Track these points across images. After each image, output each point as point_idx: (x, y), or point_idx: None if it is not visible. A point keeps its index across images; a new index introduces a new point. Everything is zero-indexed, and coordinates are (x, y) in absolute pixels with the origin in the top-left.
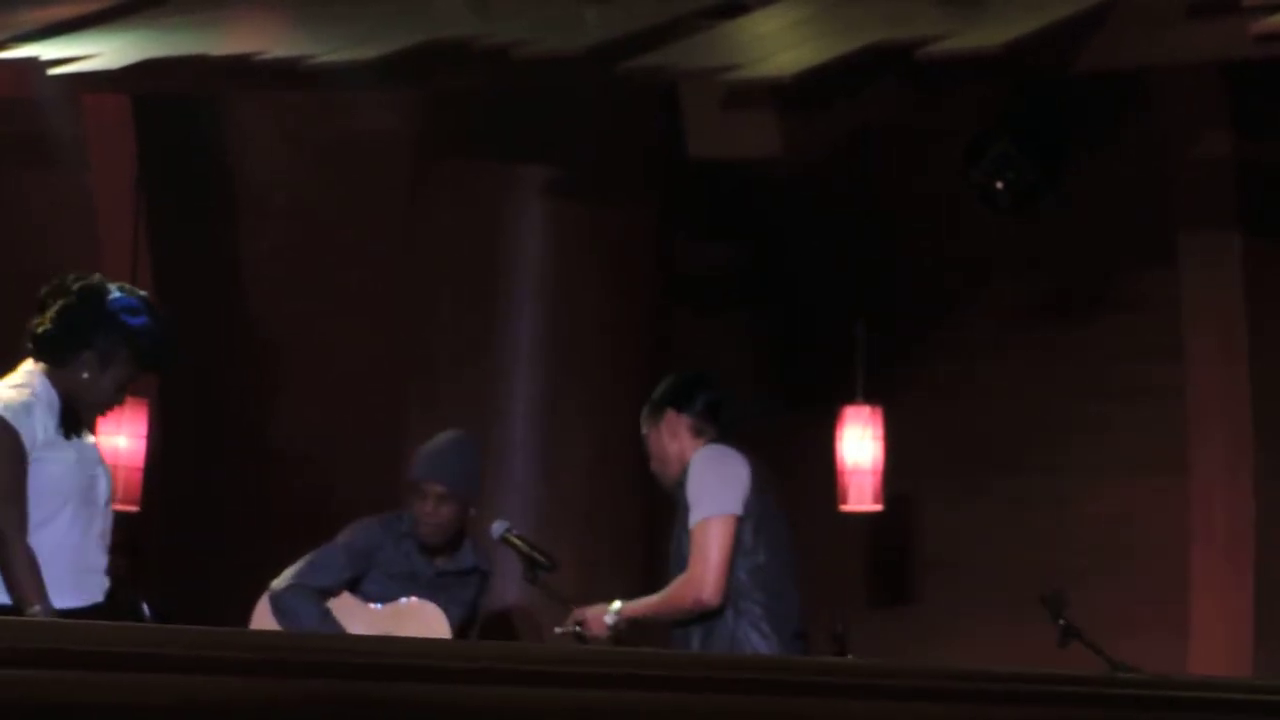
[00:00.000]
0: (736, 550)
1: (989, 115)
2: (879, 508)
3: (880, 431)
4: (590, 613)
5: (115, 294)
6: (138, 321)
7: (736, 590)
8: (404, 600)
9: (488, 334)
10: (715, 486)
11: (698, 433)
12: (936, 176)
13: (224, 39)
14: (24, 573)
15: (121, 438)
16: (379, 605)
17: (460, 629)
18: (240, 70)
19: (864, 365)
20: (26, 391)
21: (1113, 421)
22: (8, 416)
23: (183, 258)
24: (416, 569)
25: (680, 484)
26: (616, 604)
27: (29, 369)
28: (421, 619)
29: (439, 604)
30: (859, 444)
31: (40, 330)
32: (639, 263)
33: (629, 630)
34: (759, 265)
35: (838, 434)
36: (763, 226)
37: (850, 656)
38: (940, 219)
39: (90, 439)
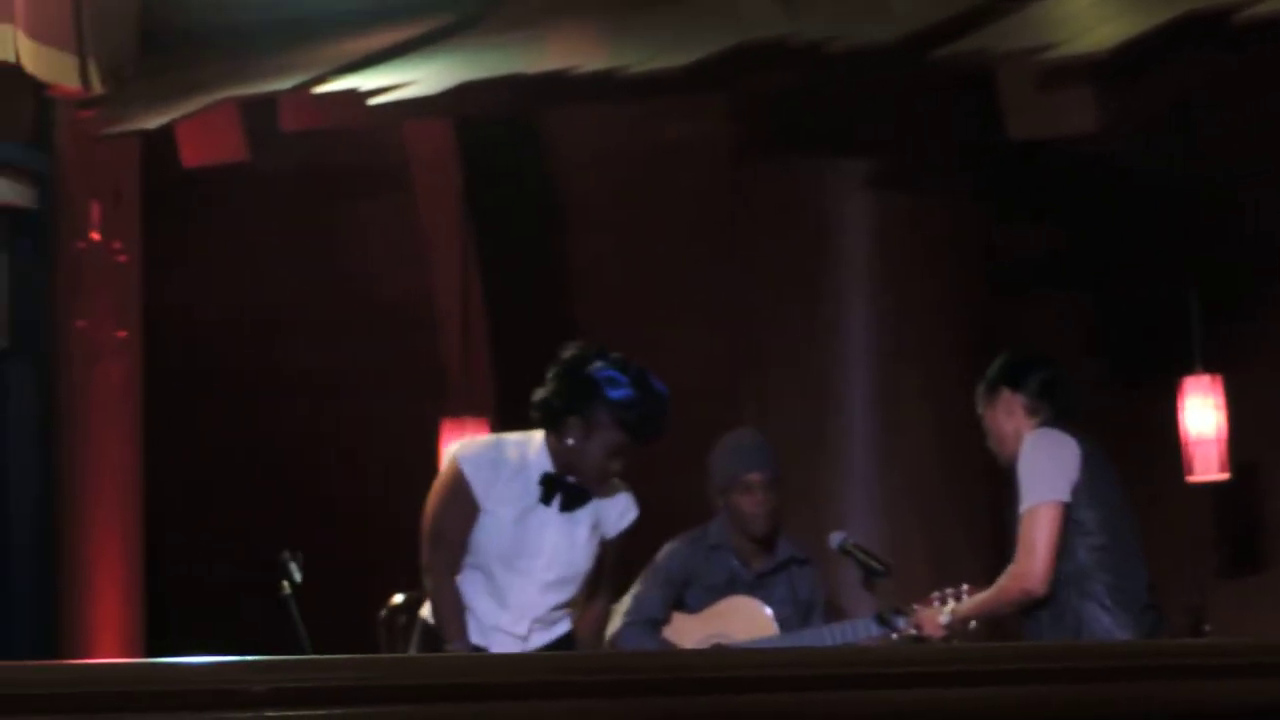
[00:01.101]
0: (1075, 533)
1: None
2: (1226, 476)
3: (1222, 400)
4: (925, 615)
5: (599, 364)
6: (618, 394)
7: (1079, 572)
8: (723, 601)
9: (817, 328)
10: (1044, 472)
11: (1032, 412)
12: (1265, 139)
13: (538, 57)
14: (443, 610)
15: None
16: (700, 612)
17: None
18: (556, 86)
19: (1201, 335)
20: (511, 448)
21: None
22: (464, 465)
23: (512, 274)
24: (735, 575)
25: (1014, 466)
26: (950, 605)
27: (539, 433)
28: (745, 616)
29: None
30: (1201, 414)
31: (536, 396)
32: (963, 248)
33: (964, 629)
34: (1084, 243)
35: (1179, 405)
36: (1085, 203)
37: (1208, 628)
38: (1274, 182)
39: (576, 512)
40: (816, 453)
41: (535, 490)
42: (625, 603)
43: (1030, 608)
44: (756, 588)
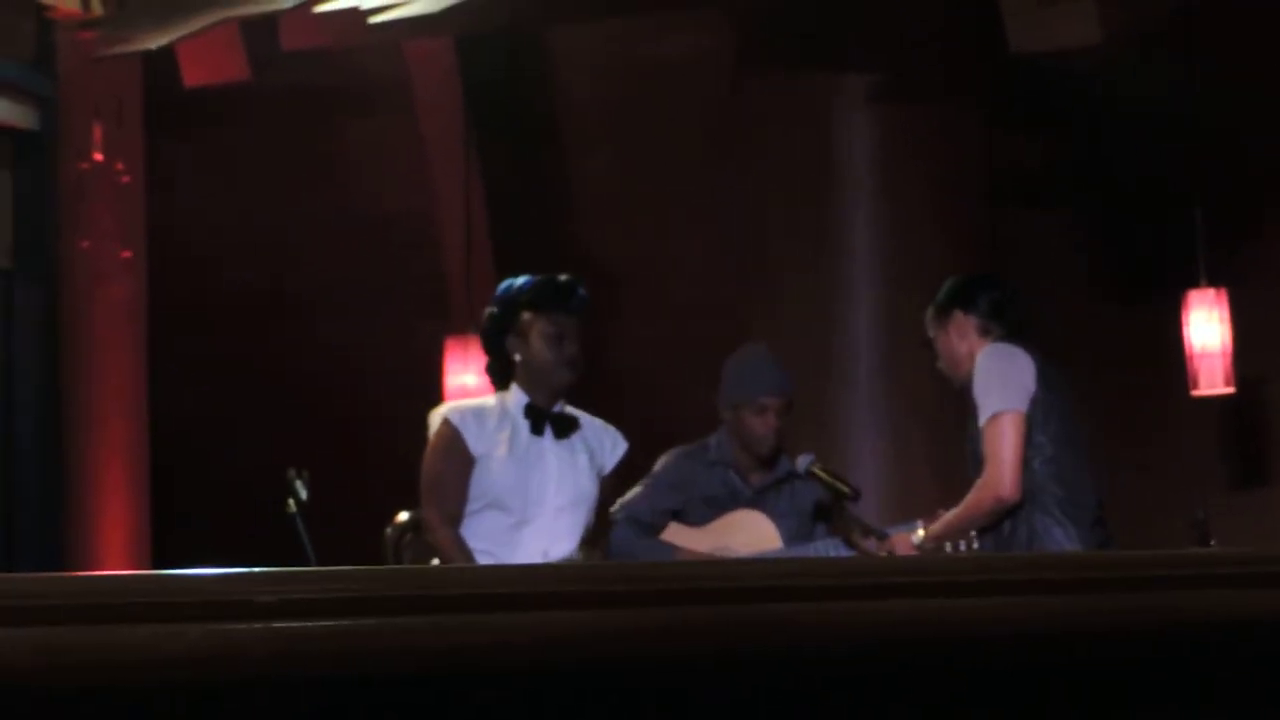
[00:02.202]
0: (1028, 445)
1: None
2: (1231, 391)
3: (1227, 314)
4: (897, 537)
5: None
6: (517, 286)
7: (1033, 484)
8: (727, 514)
9: (820, 242)
10: (1000, 384)
11: (984, 332)
12: (1268, 53)
13: None
14: (449, 553)
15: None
16: (703, 525)
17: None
18: (557, 2)
19: (1205, 248)
20: (490, 400)
21: None
22: (451, 417)
23: (514, 190)
24: (735, 490)
25: (968, 385)
26: (920, 525)
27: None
28: (749, 528)
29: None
30: (1206, 328)
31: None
32: (964, 161)
33: (938, 549)
34: (1087, 156)
35: (1183, 319)
36: (1088, 116)
37: (1213, 541)
38: (1278, 95)
39: (571, 440)
40: (821, 367)
41: (524, 425)
42: (618, 506)
43: (990, 524)
44: (756, 503)
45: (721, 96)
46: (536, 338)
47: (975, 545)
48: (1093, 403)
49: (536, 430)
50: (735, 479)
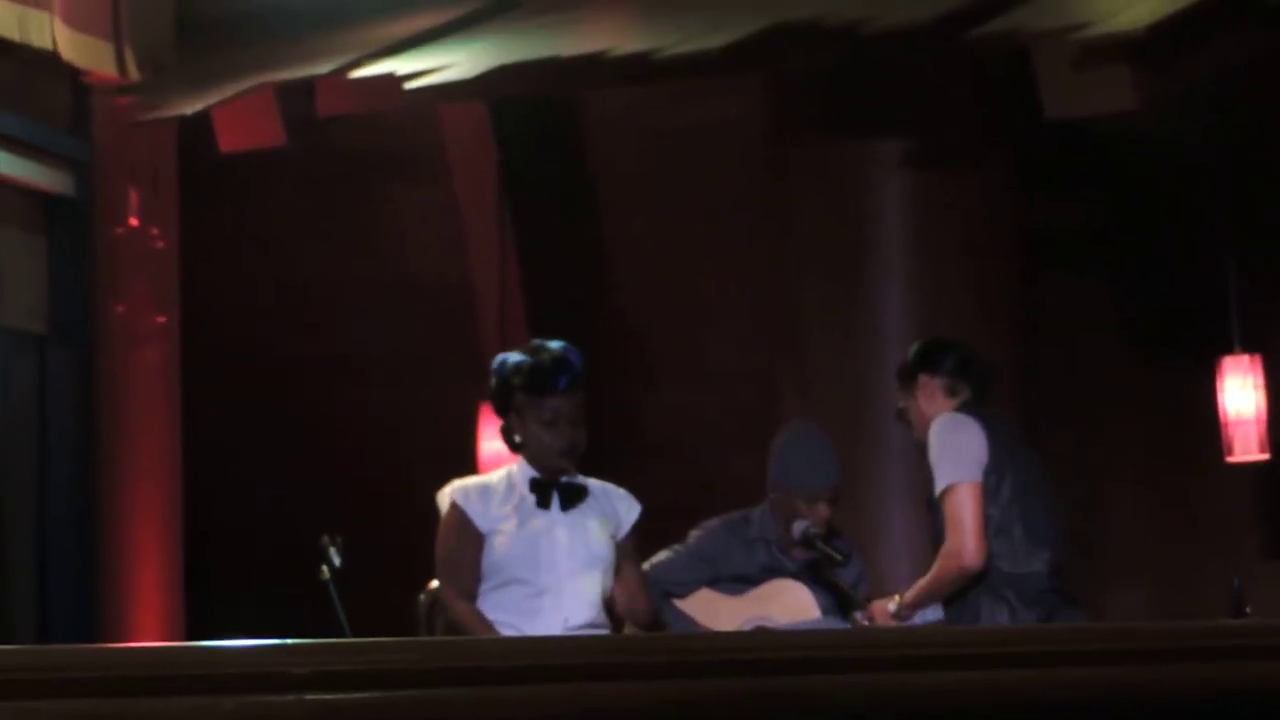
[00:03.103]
0: None
1: None
2: (1266, 457)
3: (1261, 380)
4: (875, 606)
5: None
6: (510, 364)
7: None
8: (767, 584)
9: (855, 309)
10: (952, 456)
11: (951, 392)
12: None
13: (574, 39)
14: (470, 625)
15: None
16: (741, 594)
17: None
18: (592, 68)
19: (1239, 314)
20: (495, 476)
21: None
22: (455, 497)
23: (549, 256)
24: (778, 566)
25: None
26: (896, 596)
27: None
28: (788, 597)
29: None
30: (1240, 394)
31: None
32: (999, 227)
33: (910, 617)
34: (1121, 220)
35: (1218, 385)
36: (1123, 181)
37: (1249, 609)
38: None
39: (580, 509)
40: (855, 436)
41: (531, 499)
42: (644, 566)
43: (954, 595)
44: (800, 578)
45: (755, 162)
46: (531, 422)
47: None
48: (1125, 466)
49: (543, 503)
50: (779, 555)
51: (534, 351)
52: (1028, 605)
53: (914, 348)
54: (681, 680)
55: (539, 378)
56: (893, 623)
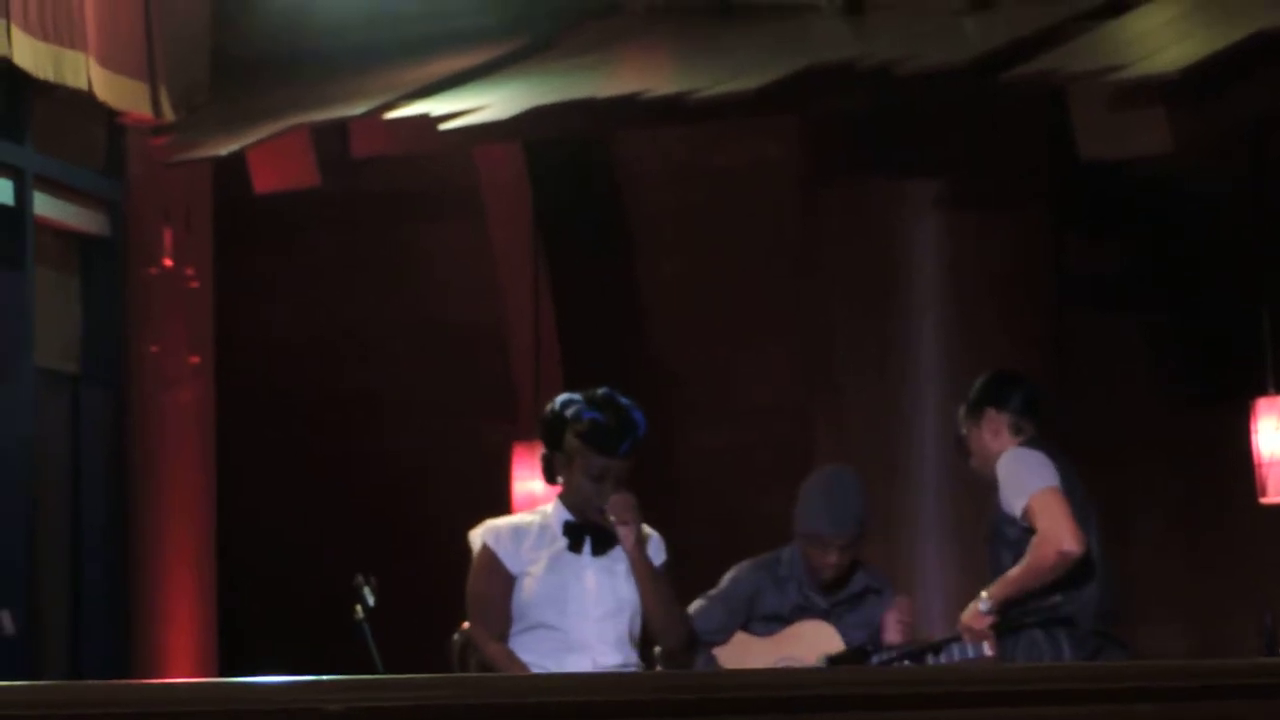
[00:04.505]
0: None
1: None
2: None
3: None
4: (965, 617)
5: (564, 399)
6: (575, 415)
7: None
8: (796, 624)
9: (889, 348)
10: (1028, 472)
11: (1016, 430)
12: None
13: (609, 80)
14: (500, 664)
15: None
16: (770, 635)
17: (860, 650)
18: (627, 110)
19: (1273, 355)
20: (529, 516)
21: None
22: (487, 539)
23: (583, 296)
24: (809, 605)
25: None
26: (983, 594)
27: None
28: (815, 638)
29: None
30: (1274, 435)
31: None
32: (1033, 268)
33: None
34: (1156, 262)
35: (1252, 427)
36: (1157, 222)
37: None
38: None
39: (610, 554)
40: (889, 473)
41: (563, 542)
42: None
43: (1051, 589)
44: (830, 616)
45: (789, 203)
46: (578, 471)
47: (986, 651)
48: (1160, 507)
49: (575, 547)
50: (810, 593)
51: (602, 406)
52: (1077, 645)
53: (983, 379)
54: (711, 718)
55: (601, 437)
56: (985, 621)
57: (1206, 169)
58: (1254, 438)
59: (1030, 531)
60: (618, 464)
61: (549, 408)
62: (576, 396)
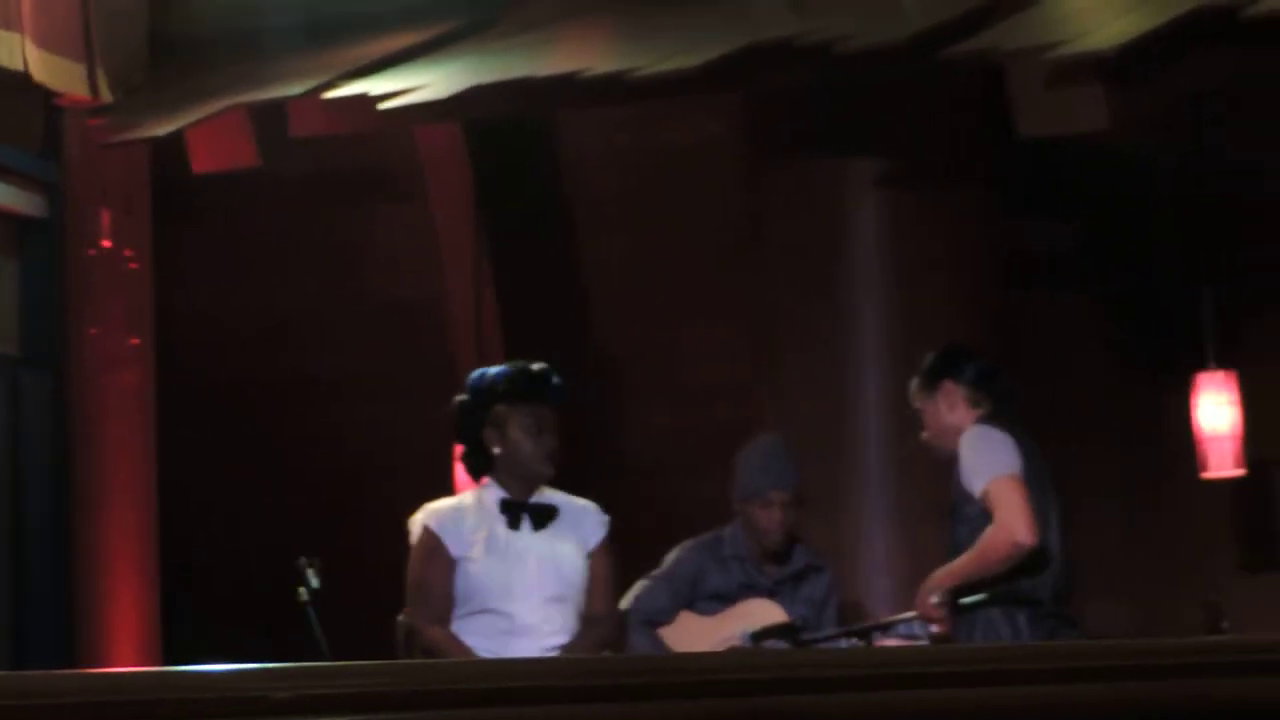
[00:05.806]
0: None
1: None
2: (1241, 473)
3: (1237, 396)
4: (917, 602)
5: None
6: (490, 377)
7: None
8: (742, 603)
9: (834, 327)
10: (990, 456)
11: (974, 403)
12: (1278, 134)
13: (549, 59)
14: (443, 647)
15: None
16: (715, 614)
17: (788, 626)
18: (567, 88)
19: (1214, 330)
20: (467, 498)
21: None
22: (428, 521)
23: (526, 276)
24: (752, 582)
25: (953, 459)
26: (932, 585)
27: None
28: (761, 616)
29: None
30: (1216, 410)
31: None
32: (976, 245)
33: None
34: (1096, 239)
35: (1193, 402)
36: (1097, 199)
37: (1225, 625)
38: None
39: (553, 529)
40: (833, 452)
41: (501, 521)
42: (626, 599)
43: (1004, 575)
44: (773, 594)
45: (731, 181)
46: (514, 429)
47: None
48: (1102, 484)
49: (514, 524)
50: (753, 571)
51: (516, 365)
52: (1034, 624)
53: (937, 353)
54: (662, 701)
55: (526, 385)
56: (939, 612)
57: (1147, 145)
58: (1195, 412)
59: (987, 515)
60: (549, 412)
61: (458, 400)
62: (485, 369)
